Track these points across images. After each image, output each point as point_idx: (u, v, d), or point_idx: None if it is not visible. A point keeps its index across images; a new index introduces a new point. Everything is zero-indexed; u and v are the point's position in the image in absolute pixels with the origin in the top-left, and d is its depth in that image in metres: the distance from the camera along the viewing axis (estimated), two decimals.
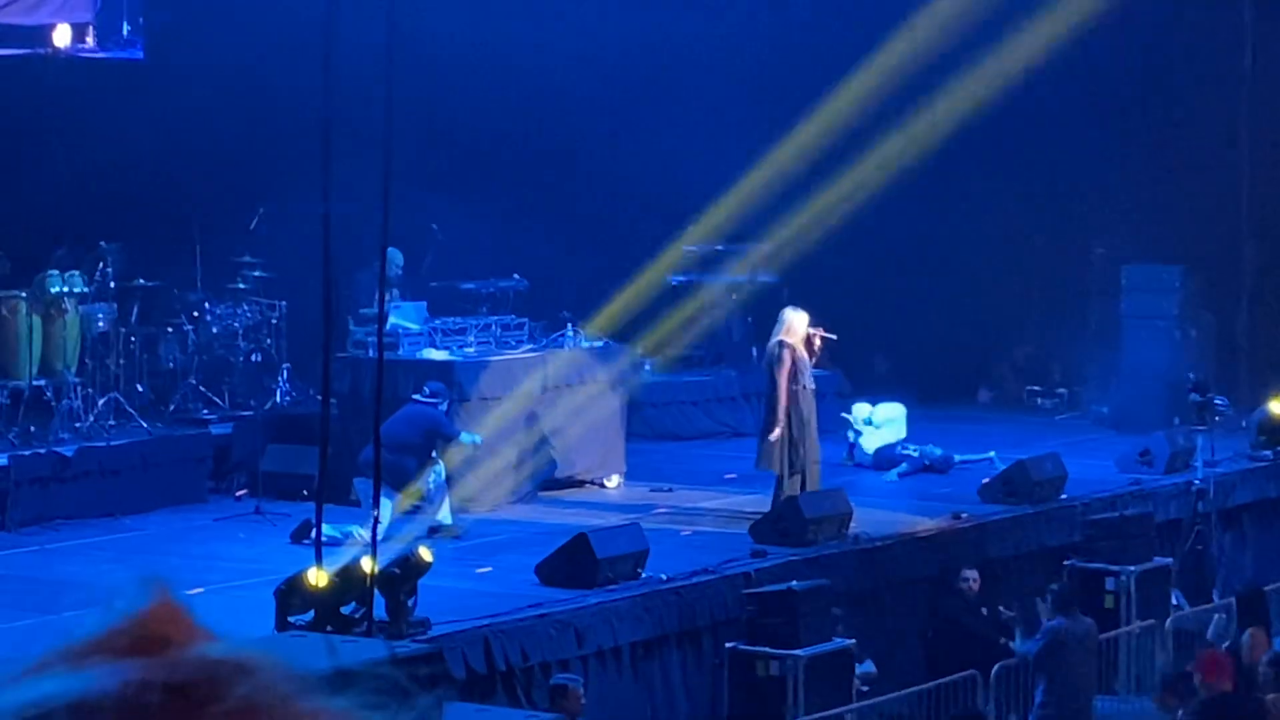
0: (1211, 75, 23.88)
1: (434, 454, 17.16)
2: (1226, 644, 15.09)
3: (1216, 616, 16.55)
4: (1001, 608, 16.82)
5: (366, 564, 13.19)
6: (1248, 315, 23.78)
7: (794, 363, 17.71)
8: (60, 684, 1.31)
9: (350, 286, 19.68)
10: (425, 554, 13.82)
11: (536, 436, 19.01)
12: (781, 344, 17.72)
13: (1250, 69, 23.61)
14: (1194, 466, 20.15)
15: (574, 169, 24.00)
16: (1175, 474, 20.11)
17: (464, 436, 17.45)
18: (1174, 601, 17.96)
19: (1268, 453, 21.21)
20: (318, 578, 13.14)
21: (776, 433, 17.51)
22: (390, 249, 19.55)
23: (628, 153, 22.88)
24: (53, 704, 1.31)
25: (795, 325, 17.87)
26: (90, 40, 21.03)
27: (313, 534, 14.26)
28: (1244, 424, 21.83)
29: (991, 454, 20.60)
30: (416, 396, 17.50)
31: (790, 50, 24.58)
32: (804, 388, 17.73)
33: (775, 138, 23.18)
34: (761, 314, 23.72)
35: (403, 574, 13.57)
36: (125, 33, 21.27)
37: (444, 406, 17.58)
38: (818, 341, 18.00)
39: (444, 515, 17.13)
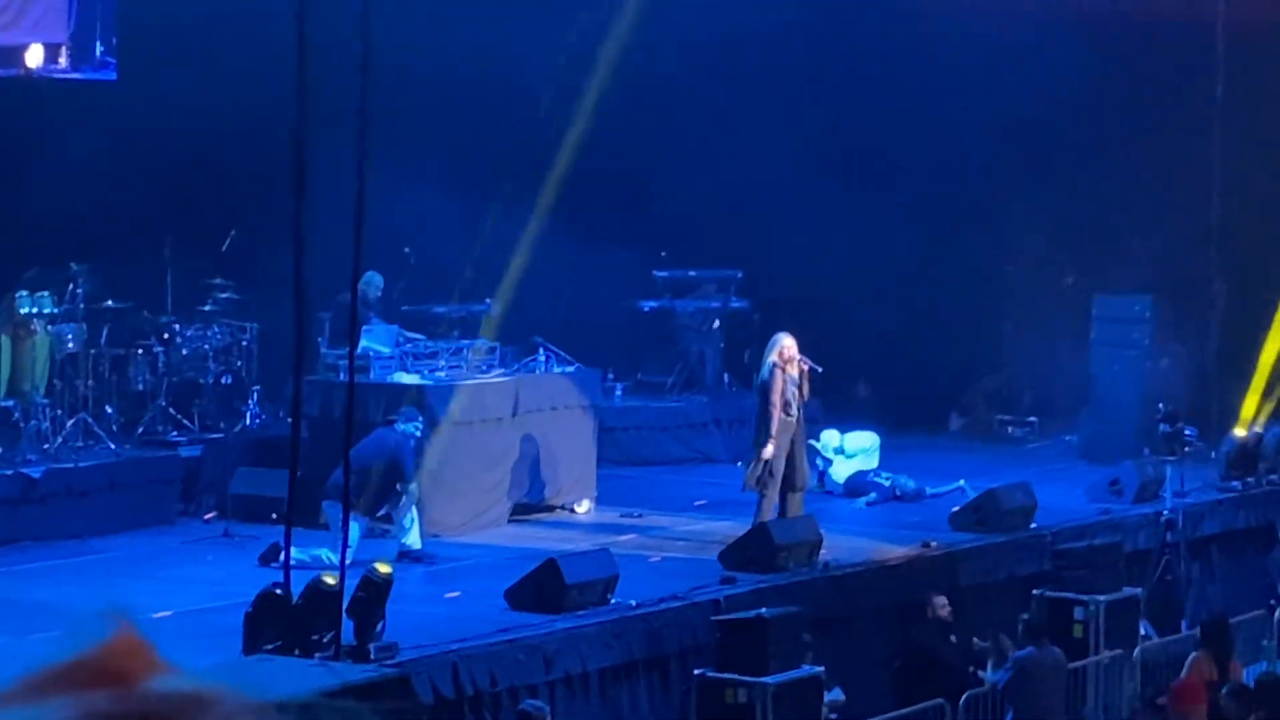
0: (1183, 107, 23.95)
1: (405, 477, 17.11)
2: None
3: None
4: (975, 638, 16.80)
5: (332, 585, 13.16)
6: (1218, 346, 23.83)
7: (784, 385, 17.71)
8: (21, 717, 1.30)
9: (331, 309, 19.63)
10: (382, 567, 13.80)
11: (507, 461, 18.99)
12: (773, 366, 17.74)
13: (1222, 101, 23.69)
14: (1163, 497, 20.18)
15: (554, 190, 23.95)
16: (1144, 504, 20.13)
17: (411, 487, 17.22)
18: (1142, 632, 17.95)
19: (1236, 483, 21.26)
20: (285, 597, 13.11)
21: (766, 450, 17.58)
22: (371, 272, 19.56)
23: (605, 176, 22.86)
24: None
25: (784, 348, 17.85)
26: (63, 61, 20.98)
27: (281, 557, 14.21)
28: (1213, 454, 21.87)
29: (961, 482, 20.59)
30: (392, 418, 17.46)
31: (791, 64, 24.64)
32: (786, 416, 17.73)
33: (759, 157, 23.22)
34: (734, 340, 23.74)
35: (367, 595, 13.54)
36: (98, 54, 21.22)
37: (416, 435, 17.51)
38: (800, 369, 17.86)
39: (413, 540, 17.09)
